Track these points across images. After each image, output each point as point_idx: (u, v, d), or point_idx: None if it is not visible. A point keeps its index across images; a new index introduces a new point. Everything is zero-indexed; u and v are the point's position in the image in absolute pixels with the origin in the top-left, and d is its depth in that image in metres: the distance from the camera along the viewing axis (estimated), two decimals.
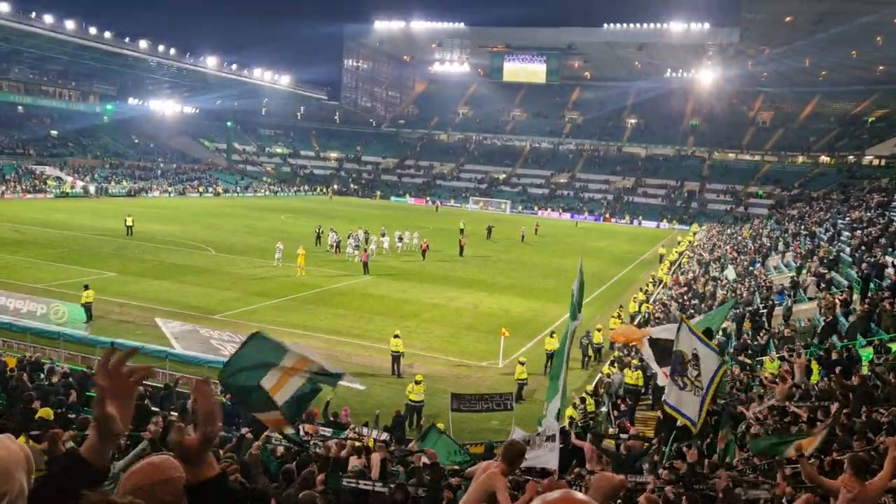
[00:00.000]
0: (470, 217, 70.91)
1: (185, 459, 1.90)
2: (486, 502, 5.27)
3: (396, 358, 21.02)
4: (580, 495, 1.70)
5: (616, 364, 20.90)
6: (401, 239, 46.39)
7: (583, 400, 17.95)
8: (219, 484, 1.95)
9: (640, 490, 7.84)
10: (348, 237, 42.44)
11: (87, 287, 24.15)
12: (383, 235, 45.71)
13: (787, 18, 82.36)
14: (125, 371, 1.99)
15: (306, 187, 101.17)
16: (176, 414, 13.51)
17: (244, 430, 10.62)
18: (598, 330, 24.67)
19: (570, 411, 17.03)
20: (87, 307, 23.38)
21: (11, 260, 32.97)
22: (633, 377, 18.18)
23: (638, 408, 17.60)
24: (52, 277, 29.72)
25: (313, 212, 67.35)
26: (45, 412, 7.53)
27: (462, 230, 53.53)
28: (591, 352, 24.06)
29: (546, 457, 8.94)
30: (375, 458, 9.32)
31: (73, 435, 7.47)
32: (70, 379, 14.95)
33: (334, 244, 42.83)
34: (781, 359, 16.91)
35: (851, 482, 5.15)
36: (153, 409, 13.30)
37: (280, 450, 10.17)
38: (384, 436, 13.18)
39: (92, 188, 73.17)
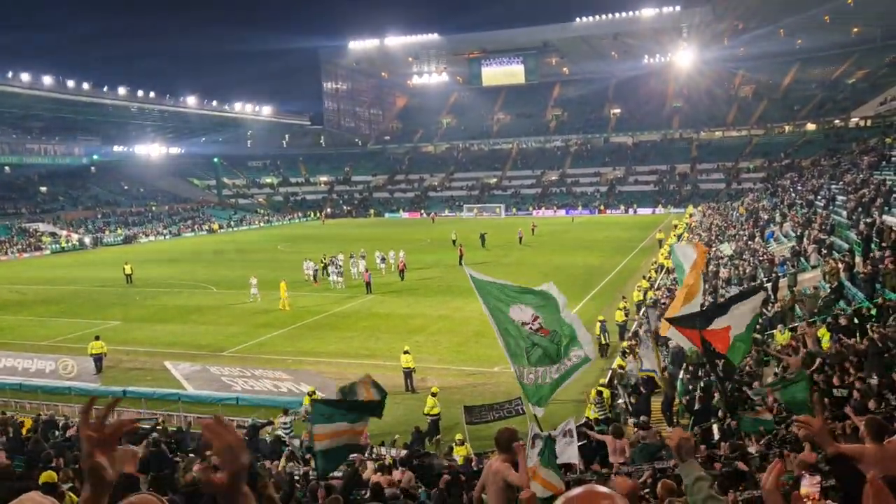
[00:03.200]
0: (464, 225, 71.00)
1: (222, 499, 1.89)
2: (502, 493, 5.29)
3: (408, 374, 20.99)
4: (603, 489, 1.69)
5: (628, 354, 20.83)
6: (383, 260, 43.38)
7: (599, 394, 17.91)
8: None
9: (662, 478, 7.82)
10: (325, 265, 40.59)
11: (97, 338, 24.21)
12: (363, 257, 42.86)
13: None
14: (111, 425, 1.98)
15: (299, 214, 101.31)
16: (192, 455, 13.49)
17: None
18: (601, 321, 24.22)
19: (588, 411, 17.00)
20: (98, 358, 23.39)
21: (15, 321, 32.98)
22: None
23: (653, 397, 17.56)
24: (58, 333, 29.72)
25: (308, 238, 67.45)
26: (49, 476, 7.47)
27: (454, 241, 53.56)
28: (604, 339, 23.65)
29: (566, 452, 8.96)
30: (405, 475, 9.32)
31: None
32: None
33: (311, 274, 40.37)
34: (792, 329, 16.92)
35: (870, 444, 5.13)
36: (174, 455, 13.29)
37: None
38: (403, 453, 13.17)
39: (87, 240, 73.23)
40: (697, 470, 3.23)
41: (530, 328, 8.39)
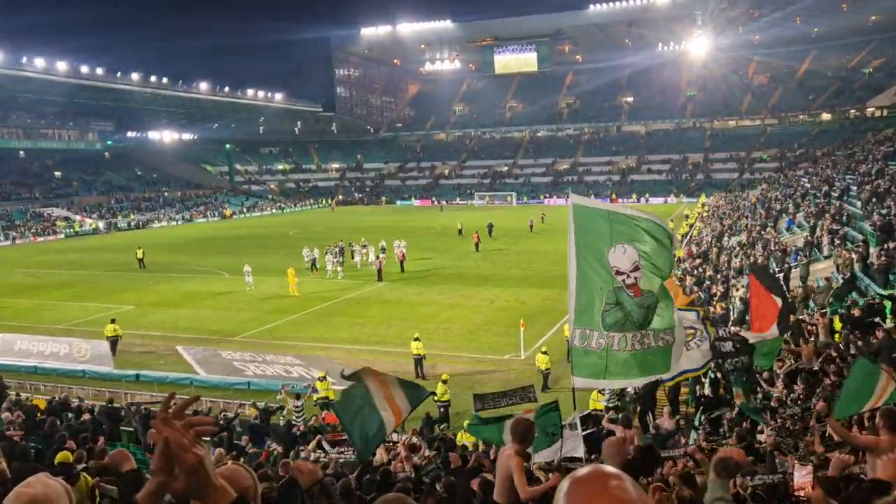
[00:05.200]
0: (472, 214, 70.88)
1: (185, 495, 1.71)
2: (508, 483, 5.33)
3: (418, 361, 21.06)
4: (610, 468, 1.63)
5: None
6: (384, 250, 41.40)
7: None
8: None
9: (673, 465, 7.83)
10: (325, 252, 39.24)
11: (113, 321, 24.44)
12: (364, 247, 42.39)
13: None
14: (185, 423, 1.77)
15: (311, 201, 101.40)
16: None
17: (273, 446, 10.68)
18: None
19: (593, 402, 16.98)
20: (113, 341, 23.60)
21: (30, 304, 33.29)
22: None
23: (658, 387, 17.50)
24: (72, 317, 29.97)
25: (317, 225, 67.59)
26: (64, 456, 7.53)
27: (461, 230, 53.43)
28: None
29: (570, 444, 8.94)
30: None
31: (94, 464, 7.59)
32: (95, 415, 15.13)
33: (310, 262, 39.49)
34: (800, 321, 16.80)
35: (885, 436, 5.13)
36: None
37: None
38: (414, 439, 13.23)
39: (101, 224, 73.69)
40: (723, 491, 3.23)
41: (623, 280, 6.78)
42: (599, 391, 16.32)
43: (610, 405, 16.37)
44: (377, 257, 38.49)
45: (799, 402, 10.61)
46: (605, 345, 6.85)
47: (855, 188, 35.63)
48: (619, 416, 13.27)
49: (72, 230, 70.45)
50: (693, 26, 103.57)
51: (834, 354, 12.51)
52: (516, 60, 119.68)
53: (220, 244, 55.48)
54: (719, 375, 15.52)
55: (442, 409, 17.61)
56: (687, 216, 57.10)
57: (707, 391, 14.70)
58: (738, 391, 10.25)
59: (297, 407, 17.16)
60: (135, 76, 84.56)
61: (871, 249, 21.19)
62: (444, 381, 17.91)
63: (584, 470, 1.61)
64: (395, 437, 14.68)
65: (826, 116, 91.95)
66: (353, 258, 41.08)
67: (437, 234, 57.10)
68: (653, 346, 6.87)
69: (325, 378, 18.12)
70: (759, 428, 10.07)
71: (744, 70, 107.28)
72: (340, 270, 38.04)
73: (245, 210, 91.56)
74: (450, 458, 9.97)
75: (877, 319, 14.15)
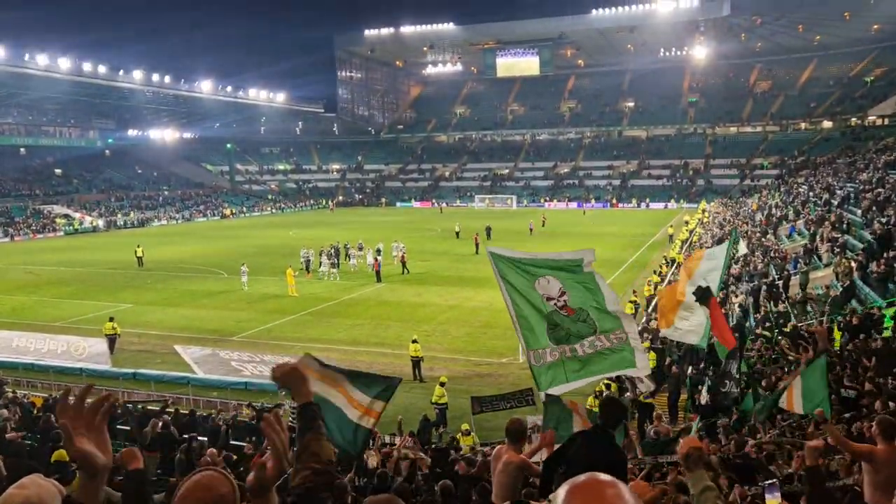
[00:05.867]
0: (471, 217, 70.85)
1: (256, 494, 1.83)
2: (508, 485, 5.31)
3: (416, 363, 21.05)
4: (606, 476, 1.63)
5: None
6: (379, 252, 39.89)
7: (607, 387, 17.89)
8: None
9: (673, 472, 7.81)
10: (320, 254, 38.87)
11: (111, 319, 24.44)
12: (360, 249, 41.85)
13: None
14: (89, 407, 1.91)
15: (311, 201, 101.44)
16: (205, 439, 13.59)
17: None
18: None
19: (590, 401, 16.96)
20: (111, 339, 23.58)
21: (29, 301, 33.28)
22: (649, 358, 18.09)
23: (658, 394, 17.53)
24: (70, 314, 29.96)
25: (317, 225, 67.59)
26: (60, 454, 7.53)
27: (458, 233, 53.44)
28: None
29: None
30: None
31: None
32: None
33: (304, 263, 39.02)
34: (799, 328, 16.81)
35: (881, 445, 5.11)
36: (182, 436, 13.40)
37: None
38: (409, 441, 13.20)
39: (101, 222, 73.70)
40: (705, 480, 3.23)
41: (555, 304, 7.43)
42: (595, 396, 16.33)
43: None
44: (375, 259, 38.31)
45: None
46: (560, 355, 7.43)
47: (853, 197, 35.63)
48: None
49: (71, 228, 70.47)
50: (696, 32, 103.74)
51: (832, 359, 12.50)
52: (518, 64, 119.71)
53: (220, 244, 55.44)
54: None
55: (439, 412, 17.59)
56: (687, 222, 57.11)
57: (706, 399, 14.68)
58: (757, 406, 10.33)
59: (295, 409, 17.10)
60: (137, 74, 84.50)
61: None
62: (443, 384, 17.90)
63: (580, 477, 1.61)
64: (388, 439, 14.69)
65: (827, 124, 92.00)
66: (349, 261, 40.77)
67: (437, 235, 57.07)
68: (607, 346, 7.44)
69: None
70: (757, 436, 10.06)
71: (746, 77, 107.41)
72: (335, 272, 37.89)
73: (245, 209, 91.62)
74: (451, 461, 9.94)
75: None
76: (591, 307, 7.47)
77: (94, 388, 2.06)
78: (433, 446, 14.49)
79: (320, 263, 38.41)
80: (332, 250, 39.75)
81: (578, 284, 7.53)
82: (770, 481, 5.54)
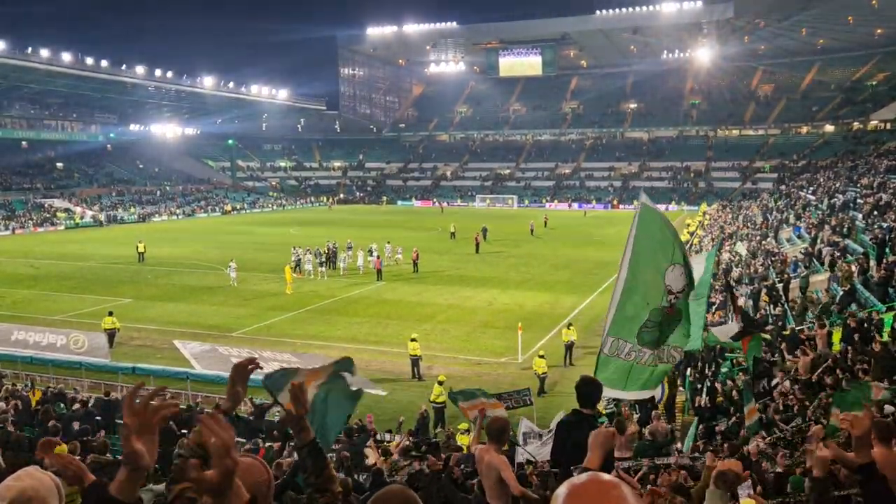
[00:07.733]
0: (469, 217, 70.80)
1: (208, 494, 1.86)
2: (498, 486, 5.29)
3: (415, 361, 21.04)
4: (607, 476, 1.61)
5: None
6: (371, 252, 39.61)
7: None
8: None
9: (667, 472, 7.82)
10: (306, 252, 38.51)
11: (110, 313, 24.42)
12: (349, 249, 41.19)
13: None
14: (151, 409, 1.96)
15: (312, 199, 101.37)
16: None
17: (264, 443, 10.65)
18: None
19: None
20: (111, 334, 23.57)
21: (29, 294, 33.27)
22: None
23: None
24: (70, 308, 29.95)
25: (315, 222, 67.59)
26: (60, 448, 7.56)
27: (453, 233, 53.30)
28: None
29: (543, 452, 8.85)
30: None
31: (95, 459, 7.59)
32: (90, 406, 15.09)
33: (295, 262, 37.87)
34: (798, 332, 16.80)
35: (878, 449, 5.10)
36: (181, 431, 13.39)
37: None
38: (406, 441, 13.21)
39: (102, 217, 73.66)
40: (721, 502, 3.22)
41: (670, 301, 6.60)
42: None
43: (606, 411, 16.34)
44: (377, 257, 38.12)
45: (796, 410, 10.62)
46: (635, 358, 6.76)
47: (854, 201, 35.61)
48: (614, 421, 13.25)
49: (72, 222, 70.44)
50: (699, 34, 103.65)
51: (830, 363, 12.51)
52: (521, 64, 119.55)
53: (220, 240, 55.41)
54: (717, 385, 15.53)
55: (437, 410, 17.58)
56: (688, 224, 57.08)
57: (705, 401, 14.69)
58: (751, 407, 10.24)
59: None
60: (139, 69, 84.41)
61: (871, 262, 21.18)
62: (441, 383, 17.88)
63: (581, 477, 1.59)
64: (388, 437, 14.69)
65: (829, 128, 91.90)
66: (341, 264, 39.81)
67: (437, 234, 57.02)
68: (664, 361, 6.89)
69: None
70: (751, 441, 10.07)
71: (748, 80, 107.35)
72: (322, 272, 37.73)
73: (246, 206, 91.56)
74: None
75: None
76: (685, 314, 6.82)
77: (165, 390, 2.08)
78: (429, 442, 14.48)
79: (307, 262, 38.29)
80: (320, 250, 39.60)
81: (691, 303, 7.01)
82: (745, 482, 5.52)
